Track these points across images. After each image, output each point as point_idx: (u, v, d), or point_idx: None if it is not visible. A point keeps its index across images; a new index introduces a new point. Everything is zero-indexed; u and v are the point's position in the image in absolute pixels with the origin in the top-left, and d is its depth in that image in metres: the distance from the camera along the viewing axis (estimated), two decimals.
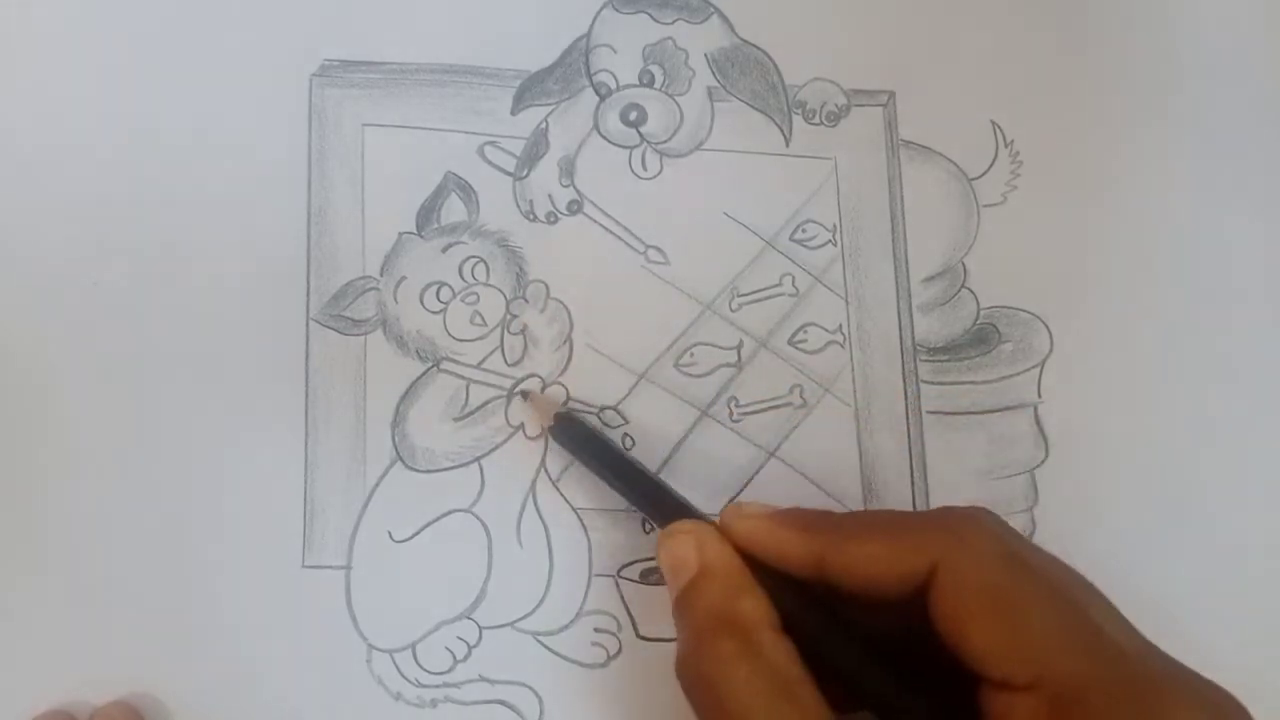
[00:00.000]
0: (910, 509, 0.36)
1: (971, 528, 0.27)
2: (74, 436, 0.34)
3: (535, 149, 0.37)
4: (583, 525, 0.35)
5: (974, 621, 0.26)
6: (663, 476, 0.35)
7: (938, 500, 0.36)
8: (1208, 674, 0.26)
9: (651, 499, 0.32)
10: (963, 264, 0.37)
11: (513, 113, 0.37)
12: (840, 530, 0.28)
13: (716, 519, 0.30)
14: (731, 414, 0.36)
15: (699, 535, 0.29)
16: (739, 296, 0.37)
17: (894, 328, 0.37)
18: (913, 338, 0.37)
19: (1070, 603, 0.26)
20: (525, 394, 0.35)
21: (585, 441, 0.34)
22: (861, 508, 0.36)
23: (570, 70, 0.37)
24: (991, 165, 0.38)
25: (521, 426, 0.35)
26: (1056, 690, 0.25)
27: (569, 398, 0.35)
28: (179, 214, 0.35)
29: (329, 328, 0.35)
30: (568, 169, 0.37)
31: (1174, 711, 0.24)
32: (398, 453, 0.35)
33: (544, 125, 0.37)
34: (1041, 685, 0.25)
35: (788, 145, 0.38)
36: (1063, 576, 0.27)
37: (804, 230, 0.37)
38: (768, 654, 0.27)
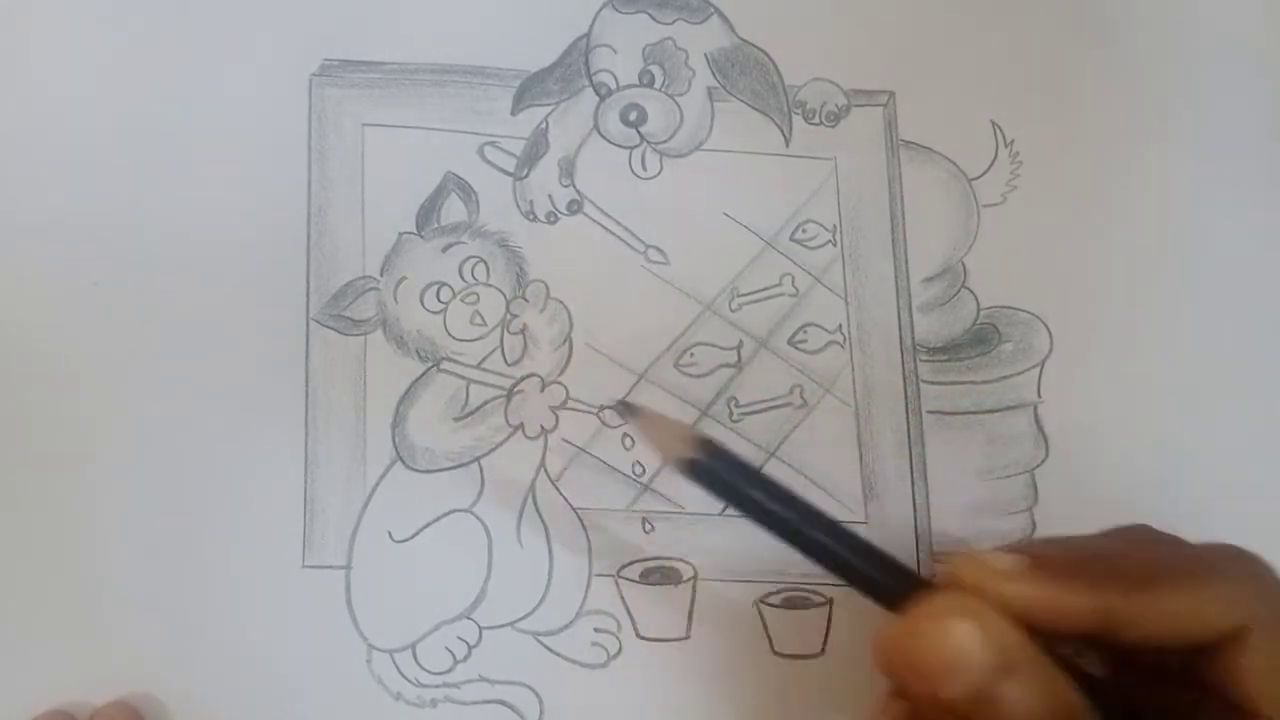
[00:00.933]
0: (911, 511, 0.36)
1: (1270, 575, 0.24)
2: (73, 436, 0.34)
3: (535, 149, 0.37)
4: (583, 525, 0.35)
5: None
6: (662, 476, 0.35)
7: (938, 500, 0.36)
8: None
9: (858, 561, 0.25)
10: (962, 264, 0.37)
11: (513, 113, 0.37)
12: (1132, 580, 0.23)
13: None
14: (731, 414, 0.36)
15: (982, 617, 0.22)
16: (739, 296, 0.37)
17: (894, 328, 0.37)
18: (913, 338, 0.37)
19: None
20: (631, 408, 0.28)
21: (734, 485, 0.27)
22: (862, 508, 0.36)
23: (570, 70, 0.37)
24: (991, 165, 0.38)
25: (521, 426, 0.35)
26: None
27: (567, 397, 0.35)
28: (178, 214, 0.35)
29: (329, 328, 0.35)
30: (568, 169, 0.37)
31: None
32: (398, 453, 0.35)
33: (544, 125, 0.37)
34: None
35: (788, 145, 0.38)
36: None
37: (804, 230, 0.37)
38: None
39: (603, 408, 0.35)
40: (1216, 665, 0.23)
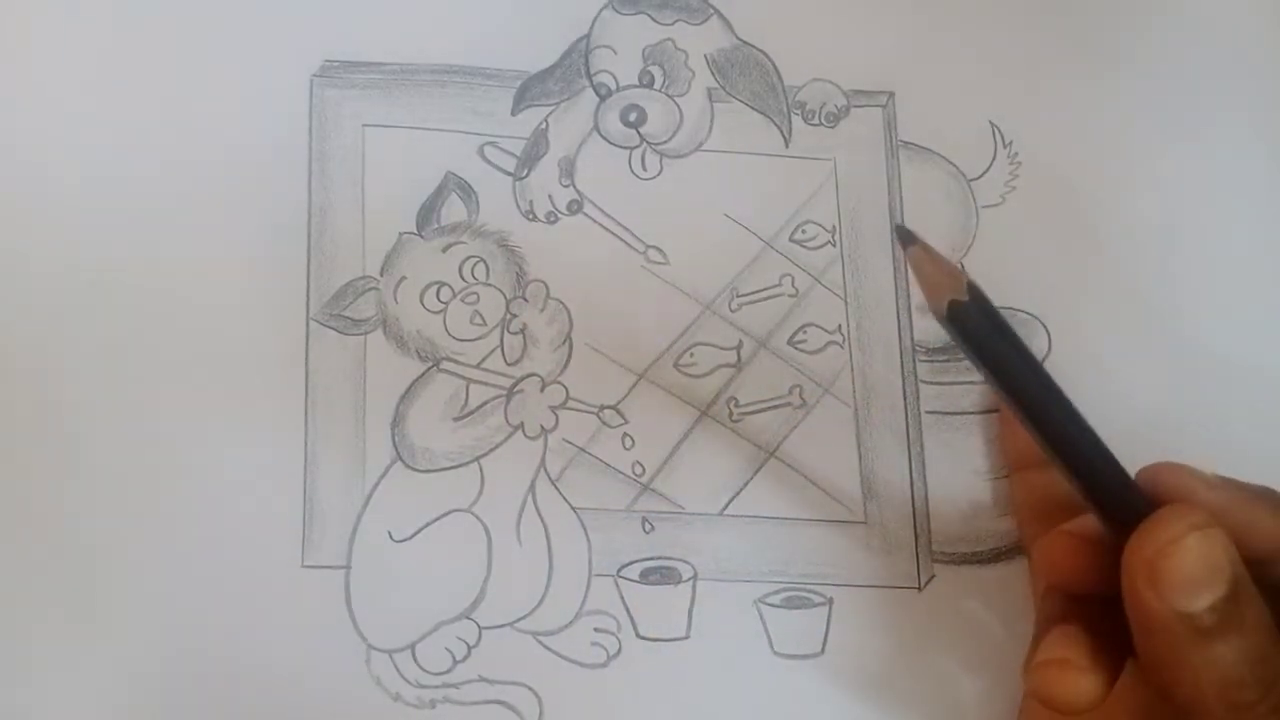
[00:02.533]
0: (911, 511, 0.36)
1: None
2: (72, 436, 0.34)
3: (535, 149, 0.37)
4: (583, 525, 0.35)
5: None
6: (662, 476, 0.35)
7: (937, 500, 0.36)
8: None
9: (1089, 457, 0.25)
10: (962, 264, 0.37)
11: (513, 113, 0.37)
12: None
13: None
14: (731, 414, 0.36)
15: (1221, 535, 0.23)
16: (738, 297, 0.37)
17: (893, 328, 0.37)
18: (912, 338, 0.37)
19: None
20: (909, 235, 0.26)
21: (988, 341, 0.25)
22: (861, 508, 0.36)
23: (570, 71, 0.37)
24: (990, 166, 0.38)
25: (521, 426, 0.35)
26: None
27: (567, 397, 0.35)
28: (178, 213, 0.35)
29: (329, 327, 0.35)
30: (568, 169, 0.37)
31: None
32: (397, 452, 0.34)
33: (544, 125, 0.37)
34: None
35: (787, 146, 0.38)
36: None
37: (803, 231, 0.37)
38: None
39: (603, 408, 0.35)
40: None
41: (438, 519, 0.34)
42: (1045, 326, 0.37)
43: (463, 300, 0.36)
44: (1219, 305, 0.38)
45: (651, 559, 0.35)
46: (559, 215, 0.37)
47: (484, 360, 0.35)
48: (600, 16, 0.38)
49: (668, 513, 0.35)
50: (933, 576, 0.35)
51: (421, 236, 0.36)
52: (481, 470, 0.35)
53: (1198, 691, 0.23)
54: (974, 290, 0.25)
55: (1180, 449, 0.37)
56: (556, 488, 0.35)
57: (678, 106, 0.37)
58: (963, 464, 0.36)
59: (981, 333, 0.25)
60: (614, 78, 0.37)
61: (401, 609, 0.34)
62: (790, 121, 0.38)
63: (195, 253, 0.35)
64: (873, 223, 0.37)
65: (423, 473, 0.34)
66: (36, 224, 0.35)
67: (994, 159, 0.38)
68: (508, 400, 0.35)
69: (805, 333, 0.37)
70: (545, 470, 0.35)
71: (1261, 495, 0.24)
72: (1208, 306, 0.38)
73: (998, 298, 0.37)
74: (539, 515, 0.35)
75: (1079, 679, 0.23)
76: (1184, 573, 0.22)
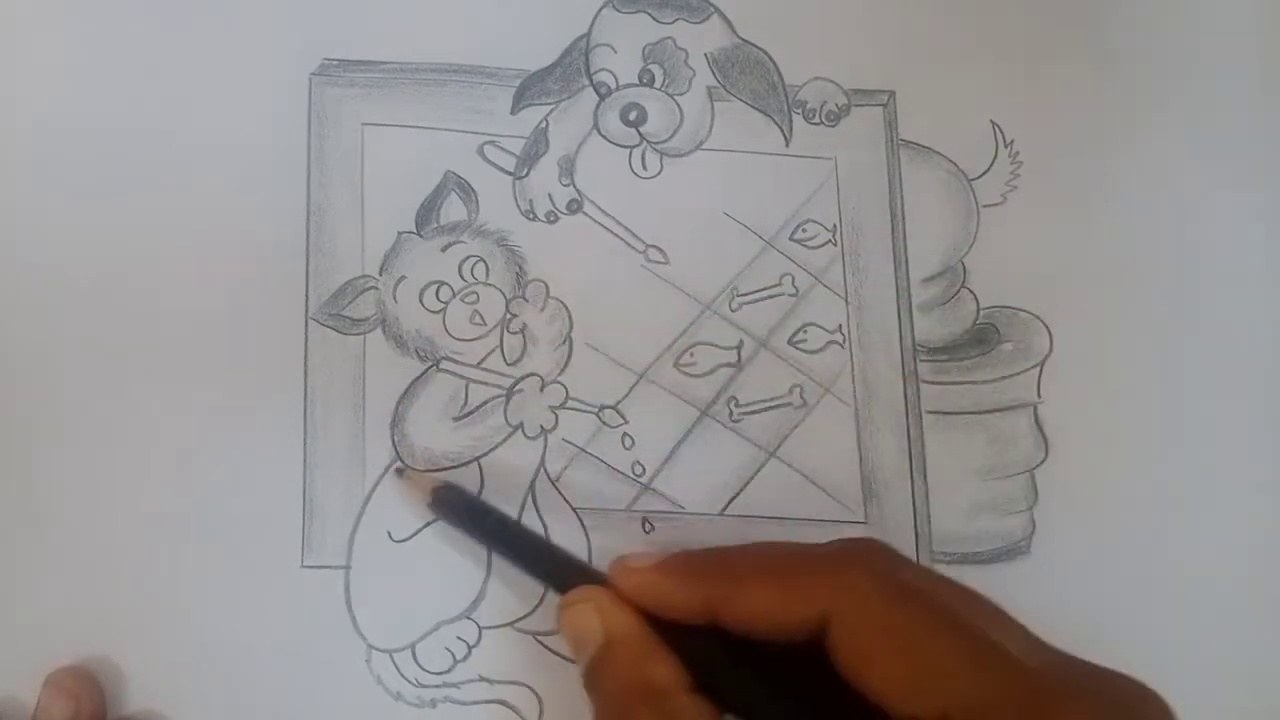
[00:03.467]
0: (911, 511, 0.36)
1: (856, 568, 0.27)
2: (72, 435, 0.34)
3: (535, 148, 0.37)
4: (582, 525, 0.35)
5: (872, 665, 0.25)
6: (662, 476, 0.35)
7: (938, 500, 0.36)
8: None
9: (545, 563, 0.31)
10: (962, 264, 0.37)
11: (513, 112, 0.37)
12: (728, 578, 0.28)
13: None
14: (731, 414, 0.36)
15: (599, 602, 0.29)
16: (739, 296, 0.37)
17: (894, 328, 0.37)
18: (913, 338, 0.37)
19: (965, 628, 0.25)
20: (401, 471, 0.34)
21: (468, 512, 0.33)
22: (861, 508, 0.36)
23: (570, 70, 0.37)
24: (991, 165, 0.38)
25: (521, 426, 0.35)
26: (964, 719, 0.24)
27: (567, 397, 0.35)
28: (178, 213, 0.35)
29: (328, 327, 0.35)
30: (567, 168, 0.37)
31: (1077, 717, 0.24)
32: (397, 452, 0.34)
33: (544, 125, 0.37)
34: (950, 717, 0.24)
35: (788, 145, 0.38)
36: (956, 602, 0.26)
37: (804, 230, 0.37)
38: None
39: (603, 407, 0.35)
40: (827, 652, 0.26)
41: (438, 519, 0.34)
42: (1046, 325, 0.37)
43: (462, 300, 0.36)
44: (1219, 304, 0.38)
45: None
46: (559, 215, 0.37)
47: (484, 360, 0.35)
48: (600, 15, 0.38)
49: (668, 513, 0.35)
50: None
51: (421, 236, 0.36)
52: (481, 470, 0.35)
53: None
54: (443, 488, 0.33)
55: (1179, 444, 0.37)
56: (556, 488, 0.35)
57: (678, 105, 0.37)
58: (963, 464, 0.36)
59: (460, 510, 0.33)
60: (614, 76, 0.37)
61: (402, 609, 0.34)
62: (791, 120, 0.38)
63: (194, 252, 0.35)
64: (873, 222, 0.37)
65: (423, 473, 0.34)
66: (36, 224, 0.35)
67: (995, 158, 0.38)
68: (507, 400, 0.35)
69: (806, 332, 0.37)
70: (545, 470, 0.35)
71: (687, 569, 0.28)
72: (1207, 305, 0.38)
73: (998, 298, 0.37)
74: (539, 515, 0.35)
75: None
76: (565, 633, 0.29)
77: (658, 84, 0.37)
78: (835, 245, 0.37)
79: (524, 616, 0.34)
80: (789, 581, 0.27)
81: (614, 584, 0.29)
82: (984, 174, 0.38)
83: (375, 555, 0.34)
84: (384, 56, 0.37)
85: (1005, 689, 0.24)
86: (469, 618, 0.34)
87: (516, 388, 0.35)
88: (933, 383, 0.37)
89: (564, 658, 0.34)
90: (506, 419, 0.35)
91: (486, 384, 0.35)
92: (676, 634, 0.28)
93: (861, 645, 0.26)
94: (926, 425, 0.36)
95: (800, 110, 0.38)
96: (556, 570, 0.31)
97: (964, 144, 0.38)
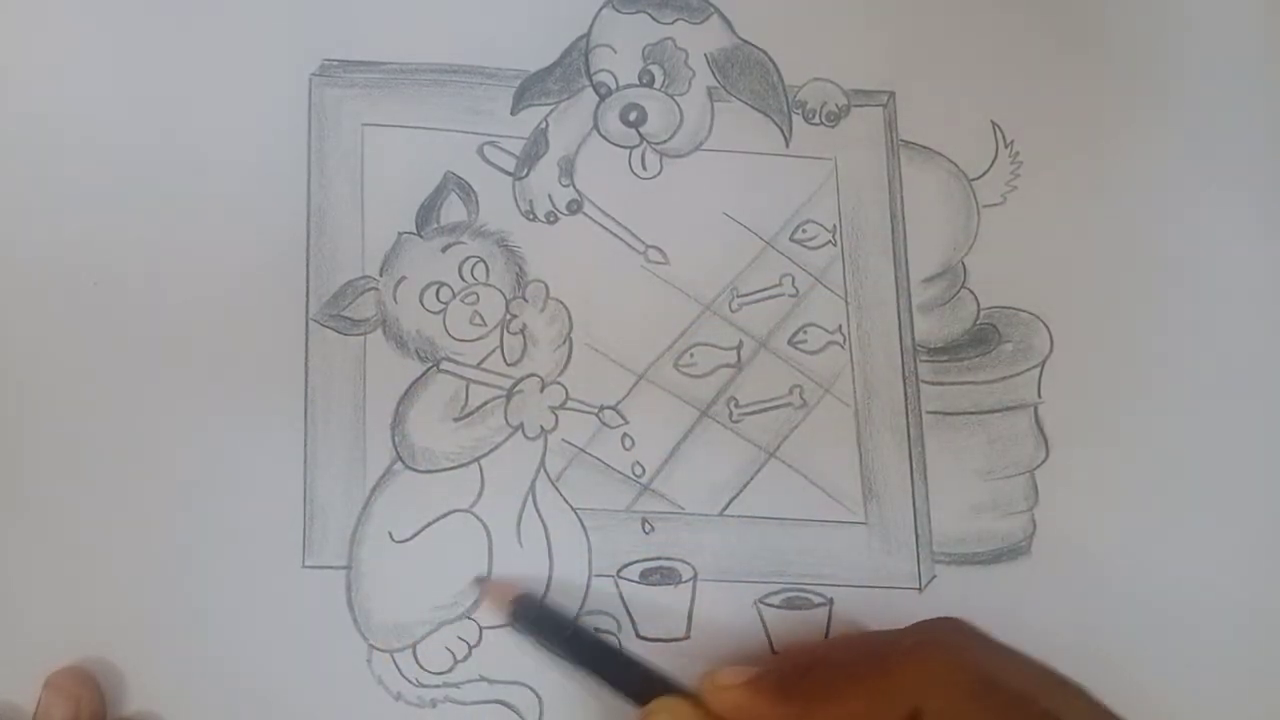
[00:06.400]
0: (911, 511, 0.36)
1: (940, 661, 0.28)
2: (73, 436, 0.34)
3: (535, 149, 0.37)
4: (583, 525, 0.35)
5: None
6: (662, 477, 0.35)
7: (938, 500, 0.36)
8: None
9: (634, 682, 0.32)
10: (963, 264, 0.37)
11: (513, 113, 0.37)
12: (817, 691, 0.29)
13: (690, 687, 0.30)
14: (731, 414, 0.36)
15: (678, 714, 0.30)
16: (739, 297, 0.37)
17: (894, 328, 0.37)
18: (913, 338, 0.37)
19: (1045, 718, 0.27)
20: (480, 580, 0.34)
21: (547, 623, 0.33)
22: (861, 508, 0.36)
23: (570, 70, 0.37)
24: (991, 165, 0.38)
25: (521, 426, 0.35)
26: None
27: (567, 397, 0.35)
28: (178, 214, 0.35)
29: (328, 328, 0.35)
30: (567, 169, 0.37)
31: None
32: (398, 453, 0.34)
33: (544, 125, 0.37)
34: None
35: (788, 145, 0.38)
36: (1038, 688, 0.28)
37: (804, 230, 0.37)
38: None
39: (603, 408, 0.35)
40: None
41: (438, 519, 0.34)
42: (1046, 325, 0.37)
43: (462, 300, 0.36)
44: (1219, 304, 0.38)
45: (651, 559, 0.35)
46: (559, 215, 0.37)
47: (484, 360, 0.35)
48: (600, 15, 0.38)
49: (668, 513, 0.35)
50: (933, 577, 0.35)
51: (421, 236, 0.36)
52: (481, 470, 0.35)
53: None
54: (523, 599, 0.33)
55: (1180, 444, 0.37)
56: (556, 488, 0.35)
57: (678, 106, 0.37)
58: (963, 464, 0.36)
59: (541, 621, 0.33)
60: (614, 77, 0.37)
61: (402, 609, 0.34)
62: (791, 121, 0.38)
63: (195, 253, 0.35)
64: (873, 222, 0.37)
65: (423, 473, 0.34)
66: (37, 224, 0.35)
67: (995, 159, 0.38)
68: (508, 400, 0.35)
69: (806, 333, 0.37)
70: (545, 470, 0.35)
71: (776, 686, 0.29)
72: (1207, 305, 0.38)
73: (998, 298, 0.37)
74: (539, 515, 0.35)
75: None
76: None
77: (658, 84, 0.37)
78: (835, 245, 0.37)
79: None
80: (876, 686, 0.28)
81: (706, 702, 0.30)
82: (984, 174, 0.38)
83: (376, 555, 0.34)
84: (384, 57, 0.37)
85: None
86: (470, 618, 0.34)
87: (516, 388, 0.35)
88: (933, 383, 0.37)
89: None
90: (507, 419, 0.35)
91: (487, 384, 0.35)
92: None
93: None
94: (926, 425, 0.36)
95: (800, 110, 0.38)
96: (643, 686, 0.32)
97: (964, 144, 0.38)
